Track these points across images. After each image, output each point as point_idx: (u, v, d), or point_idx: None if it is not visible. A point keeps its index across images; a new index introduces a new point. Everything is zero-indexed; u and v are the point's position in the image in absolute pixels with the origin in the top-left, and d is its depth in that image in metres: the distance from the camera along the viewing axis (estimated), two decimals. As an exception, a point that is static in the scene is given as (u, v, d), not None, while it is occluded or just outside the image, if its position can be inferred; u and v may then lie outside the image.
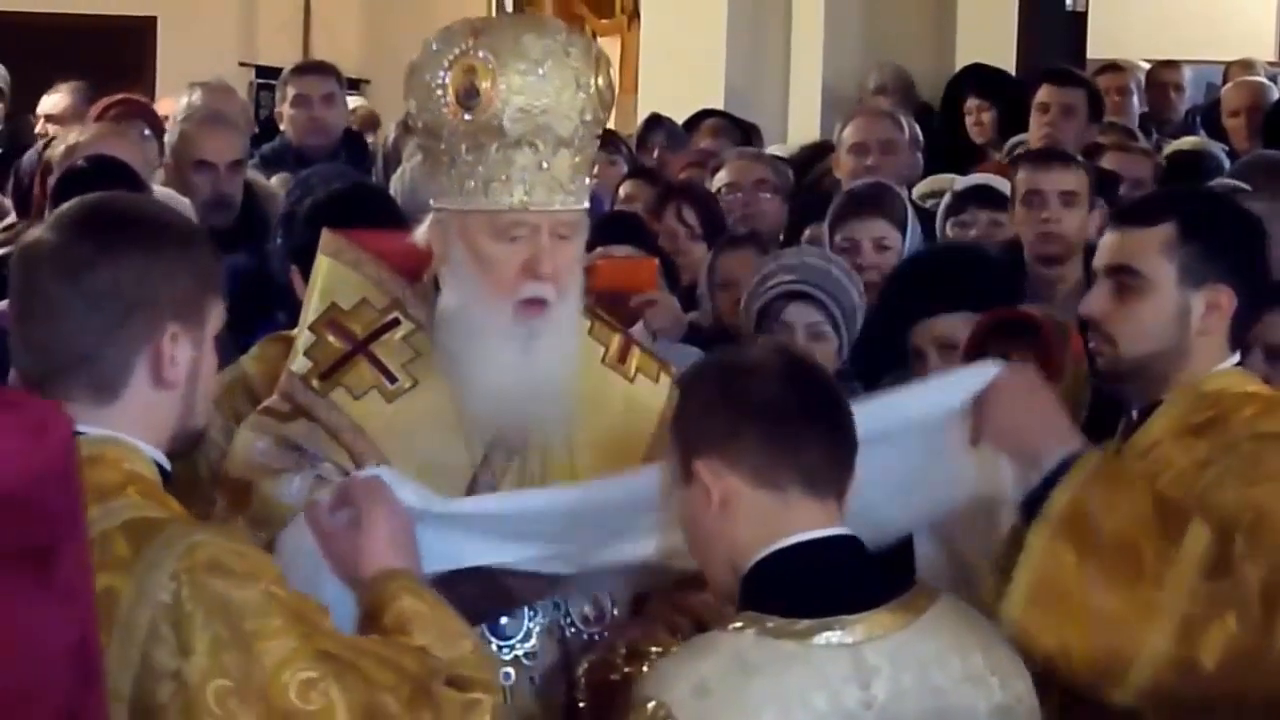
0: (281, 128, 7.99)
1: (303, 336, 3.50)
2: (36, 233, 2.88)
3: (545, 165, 3.32)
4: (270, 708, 2.64)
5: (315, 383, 3.42)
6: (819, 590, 2.84)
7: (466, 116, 3.30)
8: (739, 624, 2.83)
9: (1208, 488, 3.32)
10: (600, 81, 3.37)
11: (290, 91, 7.90)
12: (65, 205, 2.92)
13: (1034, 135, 7.85)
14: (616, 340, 3.63)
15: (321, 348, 3.46)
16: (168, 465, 2.88)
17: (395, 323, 3.46)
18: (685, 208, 6.44)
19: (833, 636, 2.81)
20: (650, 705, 2.75)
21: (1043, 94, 7.99)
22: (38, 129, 8.74)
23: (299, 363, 3.45)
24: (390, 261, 3.53)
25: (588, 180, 3.42)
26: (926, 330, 4.74)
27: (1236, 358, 3.55)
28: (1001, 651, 2.97)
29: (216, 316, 2.92)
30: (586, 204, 3.42)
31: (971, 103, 8.54)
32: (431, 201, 3.44)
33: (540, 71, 3.29)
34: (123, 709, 2.62)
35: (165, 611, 2.64)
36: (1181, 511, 3.28)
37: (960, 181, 6.60)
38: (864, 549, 2.90)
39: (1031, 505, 3.30)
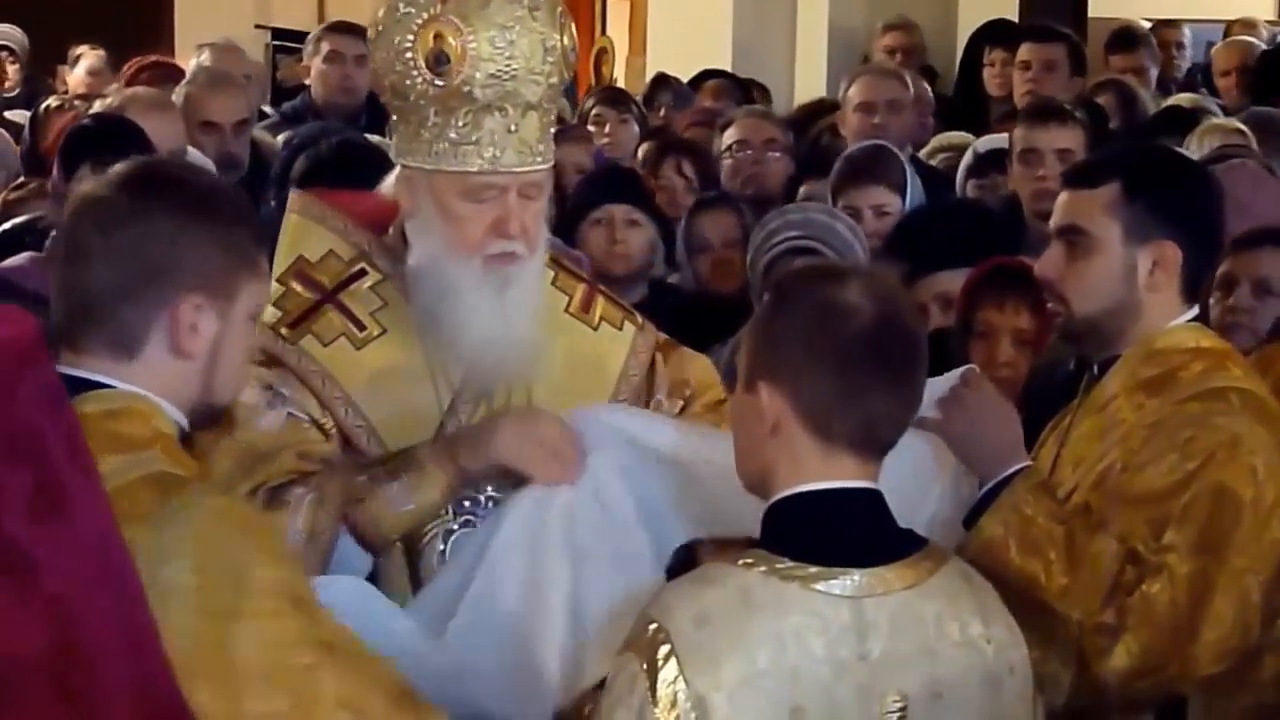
0: (306, 83, 7.85)
1: (270, 290, 3.52)
2: (90, 185, 2.90)
3: (514, 129, 3.38)
4: (266, 681, 2.68)
5: (284, 331, 3.48)
6: (833, 539, 2.86)
7: (437, 82, 3.35)
8: (749, 560, 2.84)
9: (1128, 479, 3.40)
10: (565, 41, 3.42)
11: (325, 47, 7.70)
12: (125, 163, 2.93)
13: (1017, 93, 7.83)
14: (580, 290, 3.68)
15: (290, 298, 3.52)
16: (186, 428, 2.88)
17: (362, 273, 3.53)
18: (684, 162, 6.56)
19: (838, 586, 2.82)
20: (651, 628, 2.77)
21: (1023, 52, 7.96)
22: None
23: (268, 313, 3.46)
24: (357, 216, 3.58)
25: (551, 138, 3.47)
26: (929, 286, 4.85)
27: (1193, 312, 3.58)
28: (1000, 620, 2.96)
29: (252, 296, 2.89)
30: (552, 162, 3.48)
31: (996, 54, 8.39)
32: (399, 158, 3.48)
33: (509, 37, 3.34)
34: None
35: (185, 572, 2.66)
36: (1094, 527, 3.36)
37: (981, 143, 6.58)
38: (885, 506, 2.90)
39: (970, 525, 3.37)
